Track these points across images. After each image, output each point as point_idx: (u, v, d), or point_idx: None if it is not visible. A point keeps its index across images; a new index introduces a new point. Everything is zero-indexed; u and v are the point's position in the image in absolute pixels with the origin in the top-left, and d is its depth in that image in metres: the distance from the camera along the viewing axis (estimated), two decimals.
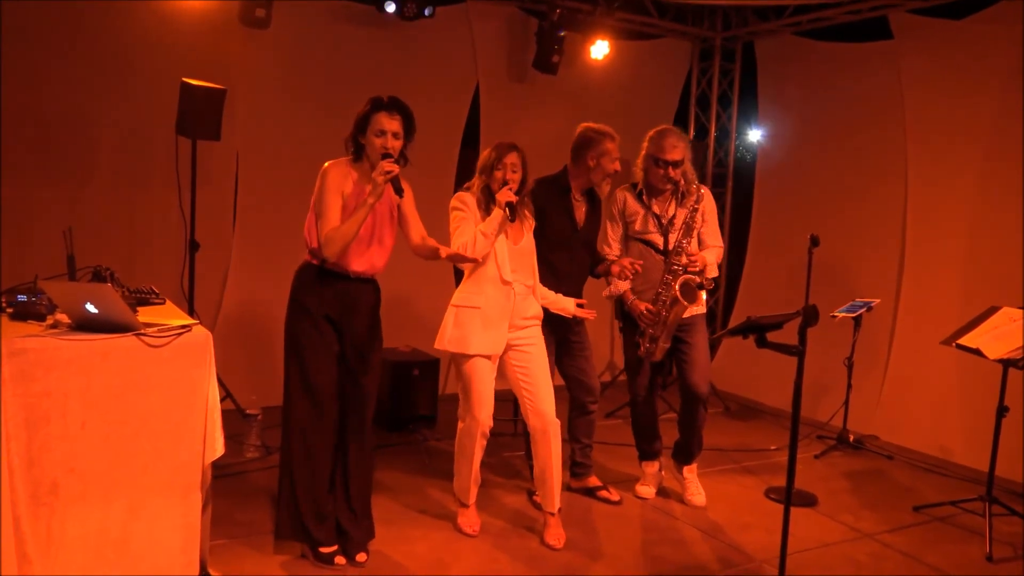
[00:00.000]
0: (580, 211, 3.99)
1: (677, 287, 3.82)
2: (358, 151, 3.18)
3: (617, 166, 3.91)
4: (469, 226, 3.44)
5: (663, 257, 3.95)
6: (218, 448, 2.83)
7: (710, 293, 3.93)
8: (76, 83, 4.70)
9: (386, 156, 3.07)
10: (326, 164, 3.17)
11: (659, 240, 3.99)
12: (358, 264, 3.17)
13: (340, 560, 3.23)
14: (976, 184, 5.11)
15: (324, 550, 3.23)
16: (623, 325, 4.16)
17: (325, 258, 3.09)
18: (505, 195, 3.38)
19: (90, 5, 4.62)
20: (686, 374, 4.01)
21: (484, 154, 3.55)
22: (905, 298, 5.49)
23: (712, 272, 4.01)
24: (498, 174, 3.44)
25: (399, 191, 3.14)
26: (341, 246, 3.06)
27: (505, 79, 6.09)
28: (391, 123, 3.10)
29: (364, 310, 3.25)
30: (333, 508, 3.27)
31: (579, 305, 3.75)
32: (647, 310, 3.91)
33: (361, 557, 3.28)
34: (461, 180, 5.65)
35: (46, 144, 4.68)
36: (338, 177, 3.13)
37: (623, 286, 4.02)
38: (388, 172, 3.03)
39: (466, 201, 3.50)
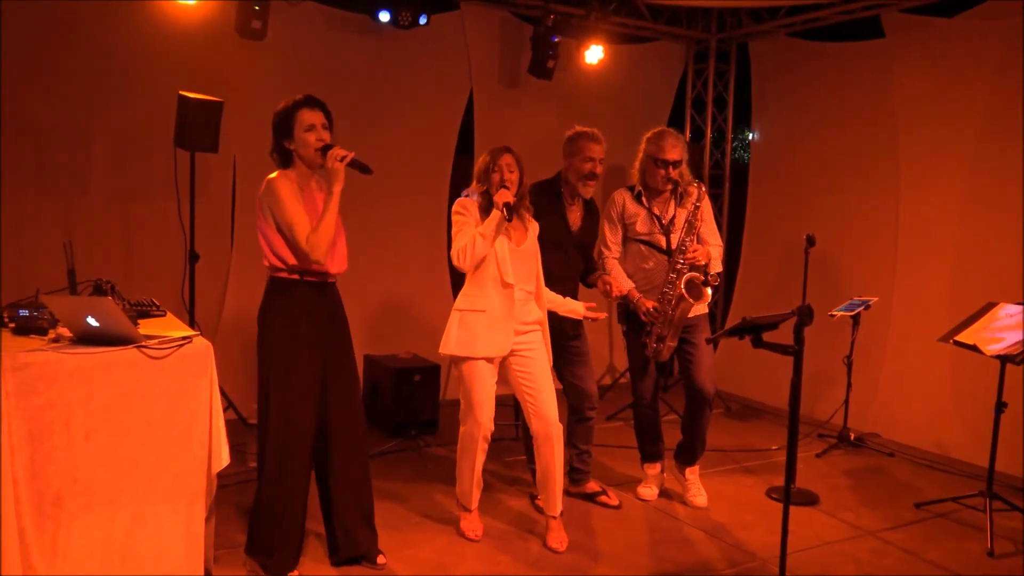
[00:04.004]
0: (574, 213, 4.01)
1: (682, 285, 3.84)
2: (287, 157, 3.12)
3: (589, 167, 3.88)
4: (468, 229, 3.46)
5: (667, 257, 3.97)
6: (224, 458, 2.84)
7: (713, 290, 3.95)
8: (74, 96, 4.72)
9: (328, 147, 3.03)
10: (269, 177, 3.08)
11: (662, 241, 4.00)
12: (334, 264, 3.14)
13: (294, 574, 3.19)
14: (967, 181, 5.12)
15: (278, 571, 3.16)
16: (627, 329, 4.16)
17: (314, 263, 3.02)
18: (502, 196, 3.40)
19: (85, 18, 4.64)
20: (692, 375, 4.02)
21: (479, 160, 3.56)
22: (899, 295, 5.50)
23: (716, 267, 4.01)
24: (495, 177, 3.46)
25: (366, 169, 3.06)
26: (327, 245, 3.02)
27: (499, 84, 6.11)
28: (316, 116, 3.08)
29: (340, 313, 3.25)
30: (302, 531, 3.22)
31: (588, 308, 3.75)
32: (653, 308, 3.93)
33: (381, 560, 3.31)
34: (456, 186, 5.68)
35: (45, 158, 4.70)
36: (288, 185, 3.05)
37: (627, 285, 4.02)
38: (344, 157, 2.99)
39: (467, 206, 3.52)
